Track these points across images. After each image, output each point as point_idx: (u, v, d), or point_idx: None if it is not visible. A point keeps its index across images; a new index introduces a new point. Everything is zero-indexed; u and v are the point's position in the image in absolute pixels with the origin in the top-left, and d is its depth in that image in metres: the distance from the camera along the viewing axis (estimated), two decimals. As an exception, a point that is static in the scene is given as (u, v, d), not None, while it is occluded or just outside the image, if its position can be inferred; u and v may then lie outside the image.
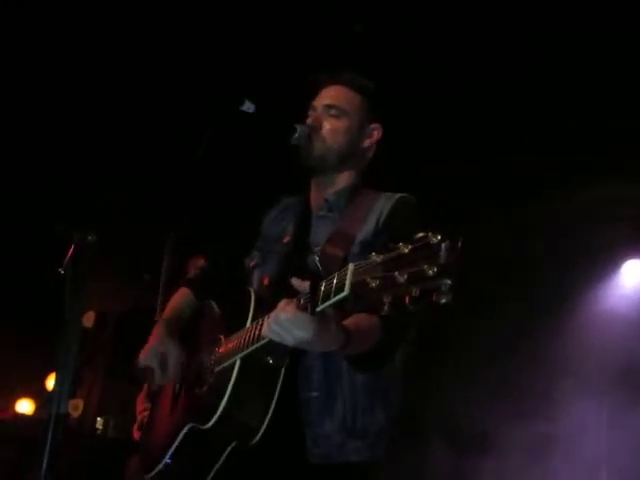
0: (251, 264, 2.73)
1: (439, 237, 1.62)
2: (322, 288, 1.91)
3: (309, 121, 2.64)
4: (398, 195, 2.57)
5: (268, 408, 2.23)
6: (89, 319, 6.58)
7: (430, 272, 1.59)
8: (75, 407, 6.36)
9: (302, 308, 1.95)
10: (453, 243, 1.61)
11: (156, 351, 2.60)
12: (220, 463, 2.32)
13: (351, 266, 1.80)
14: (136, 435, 2.91)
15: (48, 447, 2.01)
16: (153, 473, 2.52)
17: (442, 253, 1.59)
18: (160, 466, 2.47)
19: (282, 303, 1.99)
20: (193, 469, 2.42)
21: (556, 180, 5.16)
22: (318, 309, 1.92)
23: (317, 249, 2.48)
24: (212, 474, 2.33)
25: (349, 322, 2.14)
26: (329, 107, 2.66)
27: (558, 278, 5.25)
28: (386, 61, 2.83)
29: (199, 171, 2.73)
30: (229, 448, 2.30)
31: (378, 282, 1.69)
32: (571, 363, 5.00)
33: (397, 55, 4.54)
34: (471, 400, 4.96)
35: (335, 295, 1.85)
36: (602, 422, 5.01)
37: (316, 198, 2.70)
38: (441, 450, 5.16)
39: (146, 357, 2.60)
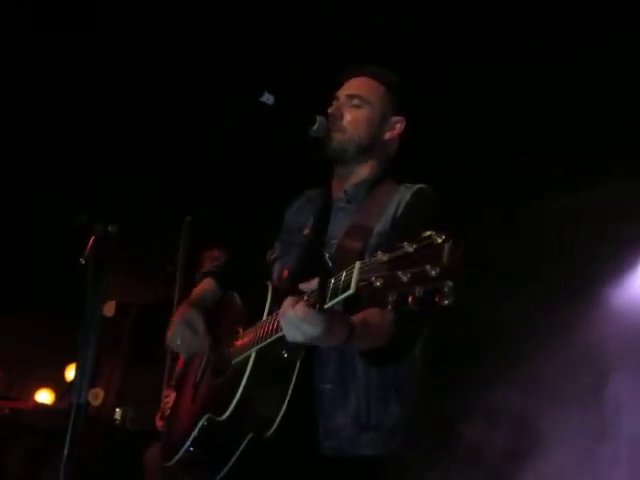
0: (272, 256, 2.74)
1: (443, 237, 1.61)
2: (330, 285, 1.91)
3: (330, 110, 2.62)
4: (417, 186, 2.55)
5: (283, 400, 2.23)
6: (110, 309, 6.62)
7: (433, 273, 1.59)
8: (95, 396, 6.41)
9: (310, 305, 1.95)
10: (456, 244, 1.60)
11: (184, 320, 2.63)
12: (237, 454, 2.32)
13: (358, 264, 1.80)
14: (158, 424, 2.91)
15: (69, 436, 2.02)
16: (173, 461, 2.54)
17: (445, 254, 1.59)
18: (180, 454, 2.49)
19: (287, 302, 2.00)
20: (211, 459, 2.43)
21: (569, 178, 5.14)
22: (326, 306, 1.93)
23: (334, 242, 2.48)
24: (229, 465, 2.34)
25: (358, 317, 2.14)
26: (351, 97, 2.64)
27: (580, 273, 5.23)
28: (386, 60, 2.86)
29: (219, 163, 2.74)
30: (246, 439, 2.31)
31: (382, 281, 1.69)
32: (600, 358, 4.97)
33: (397, 54, 4.53)
34: (514, 395, 4.93)
35: (342, 293, 1.85)
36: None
37: (337, 190, 2.70)
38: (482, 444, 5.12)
39: (175, 326, 2.63)
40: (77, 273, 2.23)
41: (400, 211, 2.47)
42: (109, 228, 2.21)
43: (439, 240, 1.61)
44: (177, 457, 2.51)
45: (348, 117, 2.61)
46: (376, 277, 1.70)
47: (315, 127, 2.58)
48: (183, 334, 2.62)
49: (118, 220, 2.25)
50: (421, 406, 2.55)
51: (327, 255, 2.32)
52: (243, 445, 2.31)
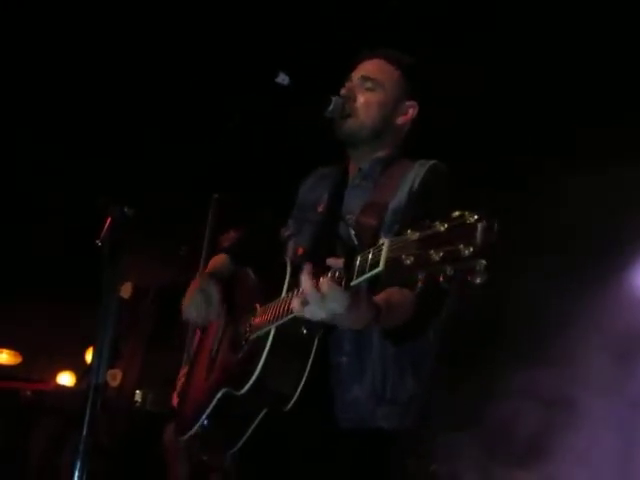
0: (286, 233, 2.75)
1: (476, 217, 1.59)
2: (357, 263, 1.90)
3: (343, 91, 2.62)
4: (431, 162, 2.55)
5: (301, 376, 2.25)
6: (126, 290, 6.65)
7: (466, 252, 1.58)
8: (114, 377, 6.46)
9: (336, 282, 1.94)
10: (490, 223, 1.59)
11: (200, 289, 2.66)
12: (253, 427, 2.36)
13: (387, 242, 1.78)
14: (174, 401, 2.95)
15: (87, 417, 2.04)
16: (187, 436, 2.56)
17: (478, 233, 1.58)
18: (195, 428, 2.51)
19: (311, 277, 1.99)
20: (226, 433, 2.47)
21: (596, 160, 5.10)
22: (353, 283, 1.91)
23: (350, 217, 2.48)
24: (245, 438, 2.38)
25: (381, 297, 2.14)
26: (365, 79, 2.63)
27: (604, 254, 5.19)
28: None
29: (235, 142, 2.74)
30: (262, 413, 2.33)
31: (413, 259, 1.67)
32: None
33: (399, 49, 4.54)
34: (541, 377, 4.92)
35: (370, 270, 1.84)
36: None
37: (352, 167, 2.70)
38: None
39: (191, 295, 2.66)
40: (97, 256, 2.23)
41: (415, 186, 2.47)
42: (126, 210, 2.22)
43: (472, 220, 1.60)
44: (191, 432, 2.53)
45: (361, 99, 2.60)
46: (406, 255, 1.69)
47: (330, 108, 2.58)
48: (198, 304, 2.65)
49: (135, 202, 2.25)
50: (444, 386, 2.56)
51: (353, 232, 2.31)
52: (259, 418, 2.34)
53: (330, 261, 2.00)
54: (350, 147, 2.67)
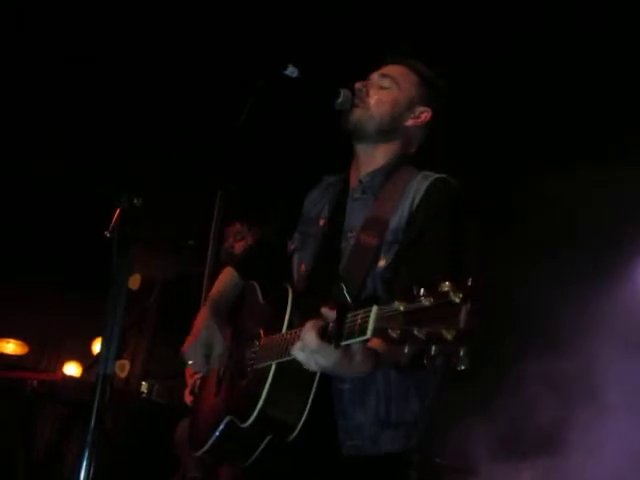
0: (291, 247, 2.73)
1: (461, 296, 1.59)
2: (347, 322, 1.92)
3: (358, 85, 2.61)
4: (434, 177, 2.50)
5: (304, 407, 2.26)
6: (135, 282, 6.65)
7: (448, 336, 1.59)
8: (122, 368, 6.47)
9: (328, 338, 1.97)
10: (474, 305, 1.58)
11: (202, 342, 2.62)
12: (257, 453, 2.36)
13: (375, 309, 1.81)
14: (188, 399, 2.96)
15: (95, 407, 2.04)
16: (200, 453, 2.57)
17: (462, 317, 1.58)
18: (206, 447, 2.52)
19: (308, 326, 2.02)
20: (234, 453, 2.48)
21: (598, 158, 5.09)
22: (343, 344, 1.94)
23: (351, 235, 2.48)
24: (251, 459, 2.38)
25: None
26: (383, 76, 2.63)
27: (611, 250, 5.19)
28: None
29: (245, 137, 2.73)
30: (266, 440, 2.34)
31: (399, 333, 1.70)
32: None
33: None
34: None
35: (358, 336, 1.87)
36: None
37: (354, 177, 2.66)
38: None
39: (191, 347, 2.63)
40: (106, 247, 2.23)
41: (416, 203, 2.44)
42: (135, 201, 2.21)
43: (457, 299, 1.59)
44: (203, 449, 2.54)
45: (374, 96, 2.60)
46: (392, 329, 1.71)
47: (339, 100, 2.57)
48: (196, 357, 2.62)
49: (144, 193, 2.25)
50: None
51: (345, 289, 2.31)
52: (264, 444, 2.34)
53: (324, 311, 2.02)
54: (355, 141, 2.64)
